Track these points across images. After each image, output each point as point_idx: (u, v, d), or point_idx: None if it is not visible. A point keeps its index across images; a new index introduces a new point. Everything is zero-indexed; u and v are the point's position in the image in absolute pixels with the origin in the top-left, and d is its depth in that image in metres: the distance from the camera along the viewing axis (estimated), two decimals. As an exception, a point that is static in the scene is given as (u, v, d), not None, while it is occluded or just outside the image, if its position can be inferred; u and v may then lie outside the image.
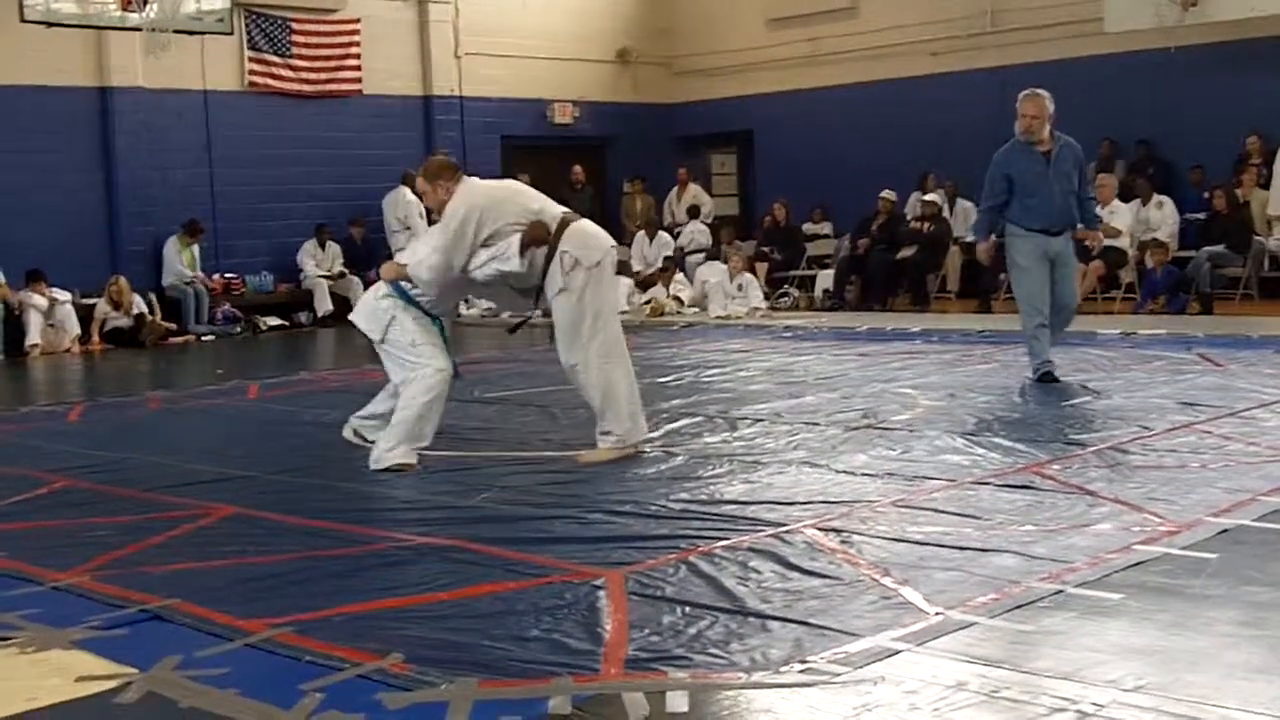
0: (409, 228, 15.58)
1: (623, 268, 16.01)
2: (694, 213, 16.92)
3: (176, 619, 3.79)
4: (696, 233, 16.54)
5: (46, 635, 3.68)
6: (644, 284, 15.46)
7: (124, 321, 13.59)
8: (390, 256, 15.55)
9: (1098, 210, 8.61)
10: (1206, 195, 13.23)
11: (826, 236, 16.33)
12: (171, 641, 3.57)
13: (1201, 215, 13.24)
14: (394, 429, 6.03)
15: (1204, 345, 9.57)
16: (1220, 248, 12.58)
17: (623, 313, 14.79)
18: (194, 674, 3.30)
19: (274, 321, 14.93)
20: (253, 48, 15.13)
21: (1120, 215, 12.77)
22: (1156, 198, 13.32)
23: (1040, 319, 7.95)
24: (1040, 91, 8.03)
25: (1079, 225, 8.20)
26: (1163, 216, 13.25)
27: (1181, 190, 13.76)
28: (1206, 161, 13.67)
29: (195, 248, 14.46)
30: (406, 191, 15.57)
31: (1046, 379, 7.84)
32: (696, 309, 14.56)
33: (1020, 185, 7.97)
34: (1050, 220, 7.93)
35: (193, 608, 3.86)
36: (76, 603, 4.01)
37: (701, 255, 16.06)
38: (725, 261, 14.77)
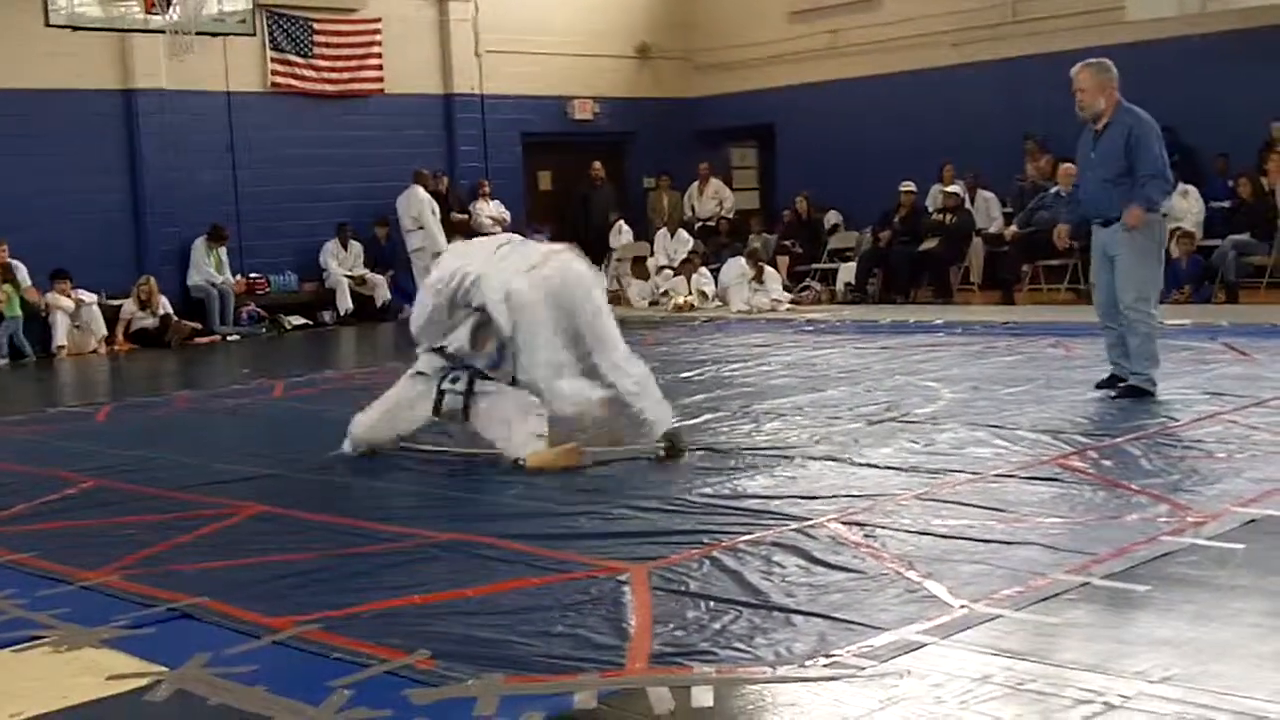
0: (421, 226, 15.65)
1: (640, 264, 16.12)
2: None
3: (205, 617, 3.82)
4: (680, 243, 16.37)
5: (77, 634, 3.71)
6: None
7: (150, 322, 13.68)
8: (408, 256, 15.82)
9: (1149, 193, 6.84)
10: (1231, 183, 13.15)
11: (836, 228, 16.31)
12: (200, 639, 3.60)
13: (1226, 204, 13.15)
14: None
15: (1230, 335, 9.51)
16: (1246, 236, 12.51)
17: (652, 304, 15.06)
18: (222, 671, 3.32)
19: (298, 321, 15.00)
20: (275, 48, 15.19)
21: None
22: (1181, 186, 13.18)
23: (1101, 320, 7.21)
24: (1094, 61, 7.08)
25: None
26: (1187, 206, 13.16)
27: (1206, 179, 13.67)
28: (1231, 150, 13.57)
29: (222, 250, 14.55)
30: (419, 190, 15.65)
31: (1101, 384, 7.16)
32: (719, 303, 14.57)
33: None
34: (1089, 209, 7.20)
35: (221, 606, 3.89)
36: (106, 602, 4.05)
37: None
38: (746, 257, 14.74)
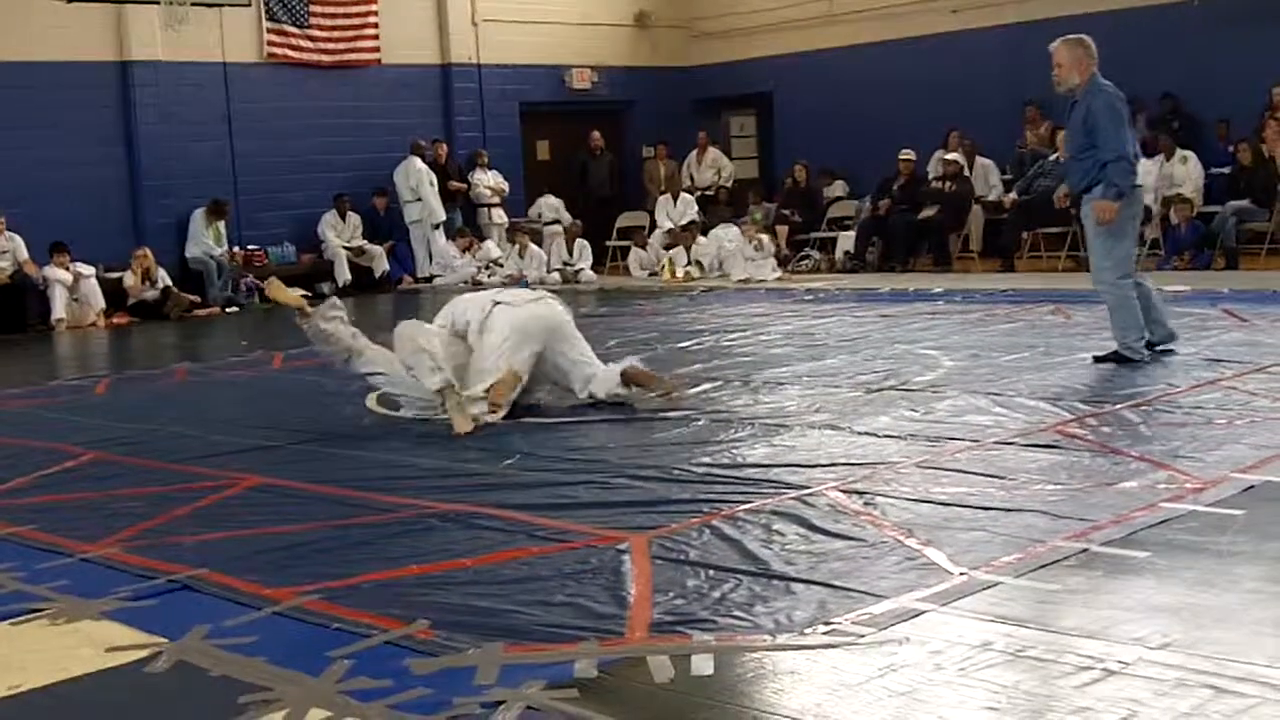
0: (420, 198, 15.61)
1: (635, 234, 16.08)
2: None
3: (205, 589, 3.82)
4: (685, 205, 16.38)
5: (77, 606, 3.71)
6: (668, 246, 15.50)
7: (150, 294, 13.66)
8: (406, 227, 15.77)
9: (1113, 179, 6.76)
10: (1231, 149, 13.10)
11: (841, 198, 16.26)
12: (200, 611, 3.60)
13: (1226, 169, 13.11)
14: None
15: (1229, 301, 9.50)
16: (1246, 202, 12.47)
17: (651, 275, 15.04)
18: (223, 643, 3.32)
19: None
20: (271, 19, 15.10)
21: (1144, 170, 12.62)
22: (1181, 152, 13.18)
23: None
24: (1071, 37, 7.05)
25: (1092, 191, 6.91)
26: (1187, 171, 13.12)
27: (1207, 144, 13.61)
28: (1232, 115, 13.51)
29: (221, 224, 14.52)
30: (416, 161, 15.60)
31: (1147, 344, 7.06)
32: (718, 273, 14.55)
33: None
34: (1067, 180, 7.23)
35: (221, 577, 3.89)
36: (106, 574, 4.05)
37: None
38: (751, 223, 14.71)
